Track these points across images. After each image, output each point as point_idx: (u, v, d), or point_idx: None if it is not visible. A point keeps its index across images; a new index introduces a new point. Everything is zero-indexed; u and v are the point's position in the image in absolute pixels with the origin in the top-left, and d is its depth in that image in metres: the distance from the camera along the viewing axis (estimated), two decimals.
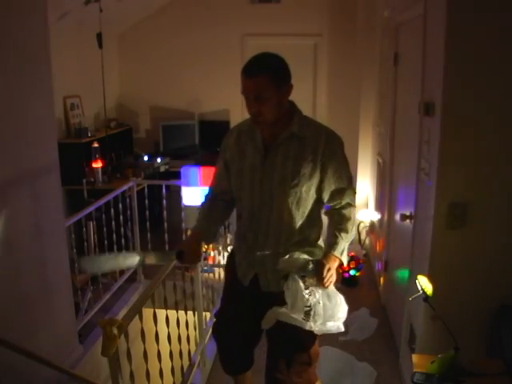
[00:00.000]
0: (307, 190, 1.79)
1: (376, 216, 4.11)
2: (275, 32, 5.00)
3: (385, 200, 3.59)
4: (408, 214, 2.62)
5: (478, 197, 2.06)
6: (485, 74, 1.96)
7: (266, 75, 1.65)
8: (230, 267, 2.03)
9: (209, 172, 3.76)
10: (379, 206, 3.92)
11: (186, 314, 2.58)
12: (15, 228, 2.27)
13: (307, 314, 1.73)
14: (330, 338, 3.13)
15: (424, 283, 1.84)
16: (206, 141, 5.20)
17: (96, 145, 4.19)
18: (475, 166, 2.05)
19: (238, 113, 5.19)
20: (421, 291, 1.85)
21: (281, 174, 1.77)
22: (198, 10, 5.11)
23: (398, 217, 2.88)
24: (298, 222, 1.83)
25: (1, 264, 2.16)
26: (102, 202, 3.36)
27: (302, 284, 1.74)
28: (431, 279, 1.84)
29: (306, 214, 1.83)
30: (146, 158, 4.74)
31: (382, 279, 3.67)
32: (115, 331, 1.52)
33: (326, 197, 1.85)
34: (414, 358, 2.00)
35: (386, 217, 3.56)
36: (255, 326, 1.93)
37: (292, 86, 1.74)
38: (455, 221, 2.08)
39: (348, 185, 1.85)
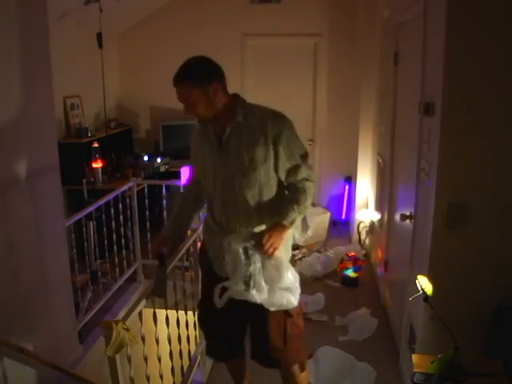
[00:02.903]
0: (266, 173, 1.89)
1: (376, 216, 4.11)
2: (275, 32, 5.00)
3: (385, 200, 3.59)
4: (408, 213, 2.62)
5: (477, 197, 2.06)
6: (485, 73, 1.96)
7: (188, 84, 1.82)
8: (202, 259, 2.20)
9: None
10: (379, 206, 3.92)
11: (186, 313, 2.58)
12: (15, 228, 2.27)
13: (247, 284, 1.74)
14: (330, 338, 3.14)
15: (424, 283, 1.84)
16: None
17: (96, 145, 4.19)
18: (475, 166, 2.05)
19: None
20: (421, 291, 1.84)
21: (237, 162, 1.88)
22: (197, 9, 5.11)
23: (397, 217, 2.88)
24: (266, 204, 1.93)
25: (1, 264, 2.16)
26: (101, 202, 3.36)
27: (241, 253, 1.75)
28: (431, 279, 1.84)
29: (273, 195, 1.94)
30: (146, 157, 4.74)
31: (382, 279, 3.68)
32: (126, 334, 1.53)
33: (282, 176, 1.93)
34: (414, 357, 1.99)
35: (386, 217, 3.56)
36: (234, 312, 2.00)
37: (217, 85, 1.85)
38: (455, 221, 2.08)
39: (302, 161, 1.94)
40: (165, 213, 3.90)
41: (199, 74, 1.83)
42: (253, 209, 1.91)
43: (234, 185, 1.89)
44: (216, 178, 1.94)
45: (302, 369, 2.13)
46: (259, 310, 1.84)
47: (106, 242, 3.50)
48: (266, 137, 1.85)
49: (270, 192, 1.92)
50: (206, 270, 2.15)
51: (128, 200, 3.79)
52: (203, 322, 2.27)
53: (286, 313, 1.95)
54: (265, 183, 1.89)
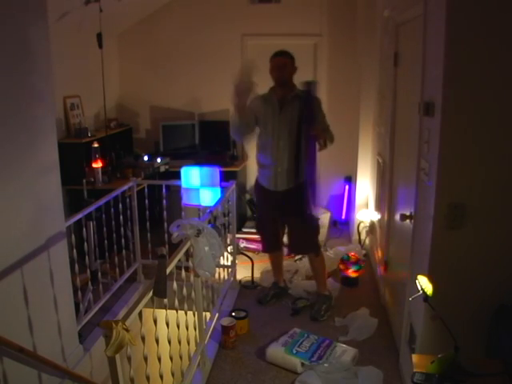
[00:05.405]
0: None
1: (376, 216, 4.11)
2: (275, 32, 5.00)
3: (385, 200, 3.59)
4: (408, 213, 2.62)
5: (477, 197, 2.06)
6: (485, 74, 1.96)
7: (286, 57, 3.26)
8: (256, 189, 3.51)
9: (209, 172, 3.76)
10: (379, 206, 3.92)
11: (186, 314, 2.58)
12: (15, 228, 2.27)
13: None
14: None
15: (424, 283, 1.84)
16: (206, 141, 5.20)
17: (96, 145, 4.18)
18: (475, 166, 2.05)
19: None
20: (421, 291, 1.85)
21: (290, 118, 3.19)
22: (197, 9, 5.11)
23: (397, 217, 2.88)
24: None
25: (1, 264, 2.16)
26: (101, 201, 3.36)
27: None
28: (431, 279, 1.84)
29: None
30: (146, 157, 4.73)
31: (382, 279, 3.68)
32: (126, 334, 1.54)
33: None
34: (414, 358, 2.00)
35: (385, 217, 3.56)
36: (279, 216, 3.42)
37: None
38: (455, 221, 2.08)
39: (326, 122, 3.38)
40: (165, 213, 3.90)
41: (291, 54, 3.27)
42: (294, 146, 3.19)
43: (286, 132, 3.19)
44: (274, 127, 3.21)
45: (317, 255, 3.49)
46: (295, 221, 3.33)
47: (106, 241, 3.50)
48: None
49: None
50: (260, 194, 3.48)
51: (128, 200, 3.79)
52: (262, 229, 3.60)
53: (312, 222, 3.35)
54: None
